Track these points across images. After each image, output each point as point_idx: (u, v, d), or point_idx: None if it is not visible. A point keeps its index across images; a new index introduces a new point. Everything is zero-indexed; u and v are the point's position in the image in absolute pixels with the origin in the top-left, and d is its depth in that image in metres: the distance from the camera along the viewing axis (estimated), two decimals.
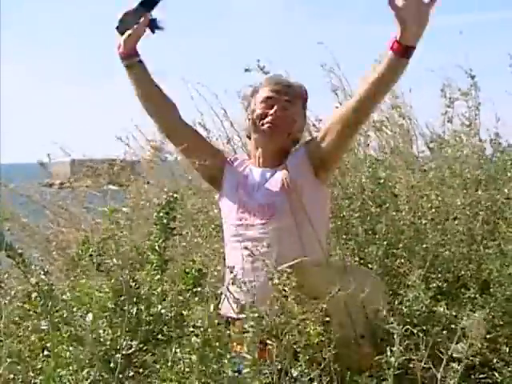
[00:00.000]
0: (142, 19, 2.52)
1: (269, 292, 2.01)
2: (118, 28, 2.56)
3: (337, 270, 2.35)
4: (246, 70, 3.46)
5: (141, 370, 1.89)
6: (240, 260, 2.28)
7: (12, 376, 1.93)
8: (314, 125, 3.77)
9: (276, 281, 1.99)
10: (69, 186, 4.06)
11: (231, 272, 2.03)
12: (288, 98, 2.55)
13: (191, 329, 1.80)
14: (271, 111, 2.53)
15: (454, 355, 1.99)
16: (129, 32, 2.53)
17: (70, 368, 1.77)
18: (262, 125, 2.54)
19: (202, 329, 1.78)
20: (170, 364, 1.80)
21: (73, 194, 3.58)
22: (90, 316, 1.81)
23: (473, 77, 4.04)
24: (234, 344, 1.94)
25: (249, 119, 2.62)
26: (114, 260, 1.88)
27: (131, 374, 1.88)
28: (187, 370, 1.78)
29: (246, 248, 2.31)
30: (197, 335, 1.79)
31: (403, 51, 2.23)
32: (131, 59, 2.58)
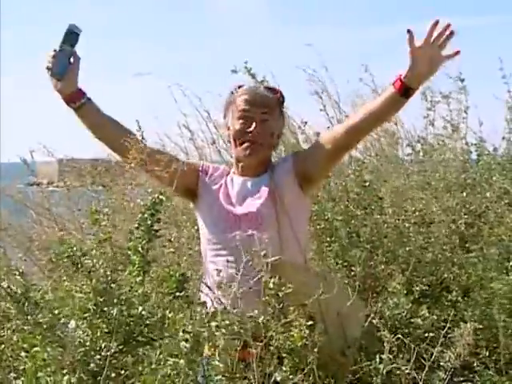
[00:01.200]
0: (71, 58, 2.42)
1: (252, 298, 2.01)
2: (50, 73, 2.42)
3: (315, 274, 2.35)
4: (233, 72, 3.44)
5: (121, 372, 1.88)
6: (222, 268, 2.29)
7: None
8: (299, 127, 3.77)
9: (270, 285, 1.99)
10: (55, 185, 4.05)
11: (217, 276, 2.02)
12: (265, 111, 2.49)
13: (180, 333, 1.79)
14: (250, 128, 2.47)
15: (441, 363, 2.00)
16: (65, 75, 2.41)
17: (49, 369, 1.76)
18: (242, 143, 2.49)
19: (191, 334, 1.77)
20: (153, 367, 1.79)
21: (57, 194, 3.57)
22: (72, 323, 1.80)
23: (462, 80, 4.05)
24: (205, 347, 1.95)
25: (228, 129, 2.56)
26: (95, 260, 1.87)
27: (112, 375, 1.87)
28: (173, 373, 1.77)
29: (228, 256, 2.34)
30: (186, 340, 1.78)
31: (404, 91, 2.24)
32: (79, 100, 2.45)
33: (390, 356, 1.91)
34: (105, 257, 1.88)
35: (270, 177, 2.51)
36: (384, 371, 1.89)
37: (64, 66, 2.41)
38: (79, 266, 1.89)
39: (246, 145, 2.48)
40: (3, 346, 2.02)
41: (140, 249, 1.90)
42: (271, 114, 2.51)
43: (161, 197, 1.97)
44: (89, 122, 2.49)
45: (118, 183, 3.47)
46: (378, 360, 1.91)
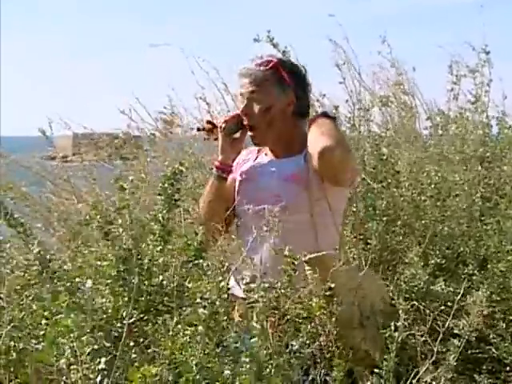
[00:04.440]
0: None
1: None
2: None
3: (353, 269, 2.32)
4: (255, 40, 3.44)
5: (141, 340, 1.90)
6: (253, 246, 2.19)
7: (13, 343, 1.94)
8: (317, 100, 3.75)
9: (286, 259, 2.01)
10: (71, 159, 4.07)
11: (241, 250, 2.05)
12: (253, 89, 2.47)
13: (198, 300, 1.80)
14: (241, 109, 2.52)
15: (455, 331, 2.01)
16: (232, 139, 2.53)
17: (72, 335, 1.77)
18: (249, 129, 2.54)
19: (209, 301, 1.79)
20: (172, 334, 1.80)
21: (74, 167, 3.59)
22: (89, 282, 1.82)
23: (487, 52, 3.99)
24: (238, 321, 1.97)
25: None
26: (120, 230, 1.88)
27: (131, 343, 1.89)
28: (190, 340, 1.79)
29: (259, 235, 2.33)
30: (204, 307, 1.79)
31: None
32: (228, 174, 2.52)
33: (405, 323, 1.92)
34: (126, 226, 1.90)
35: (304, 156, 2.45)
36: (399, 339, 1.90)
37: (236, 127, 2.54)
38: (106, 233, 1.91)
39: (250, 134, 2.53)
40: (23, 313, 2.04)
41: (161, 218, 1.90)
42: (260, 89, 2.47)
43: (181, 167, 1.97)
44: (220, 194, 2.52)
45: (137, 156, 3.48)
46: (392, 328, 1.91)
